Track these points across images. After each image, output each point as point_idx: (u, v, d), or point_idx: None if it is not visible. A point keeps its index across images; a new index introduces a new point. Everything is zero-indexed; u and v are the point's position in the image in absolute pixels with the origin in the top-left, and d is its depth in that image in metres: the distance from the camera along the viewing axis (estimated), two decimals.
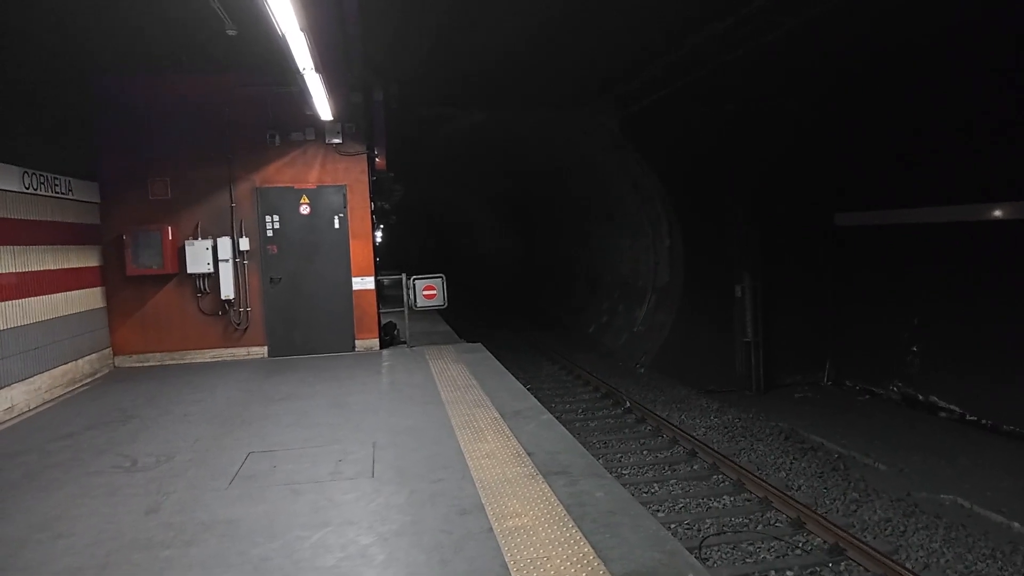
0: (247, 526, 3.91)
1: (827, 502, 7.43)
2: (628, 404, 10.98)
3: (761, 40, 8.83)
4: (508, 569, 3.27)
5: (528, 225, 24.24)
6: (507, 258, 28.26)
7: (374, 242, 9.90)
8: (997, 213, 9.77)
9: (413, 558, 3.44)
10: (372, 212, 9.73)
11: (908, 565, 5.87)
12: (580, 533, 3.63)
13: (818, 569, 5.86)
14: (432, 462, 4.88)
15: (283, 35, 5.54)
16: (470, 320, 20.06)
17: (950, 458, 8.74)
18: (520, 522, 3.79)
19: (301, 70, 6.61)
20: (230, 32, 6.77)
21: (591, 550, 3.43)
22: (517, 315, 22.92)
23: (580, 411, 11.10)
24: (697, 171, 13.45)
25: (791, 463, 8.66)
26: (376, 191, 10.05)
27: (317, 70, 6.62)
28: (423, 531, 3.74)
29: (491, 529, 3.71)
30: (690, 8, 8.34)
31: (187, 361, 9.30)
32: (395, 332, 10.48)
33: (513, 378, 7.72)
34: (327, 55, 6.99)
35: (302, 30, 5.44)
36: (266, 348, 9.48)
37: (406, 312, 10.03)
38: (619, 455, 8.91)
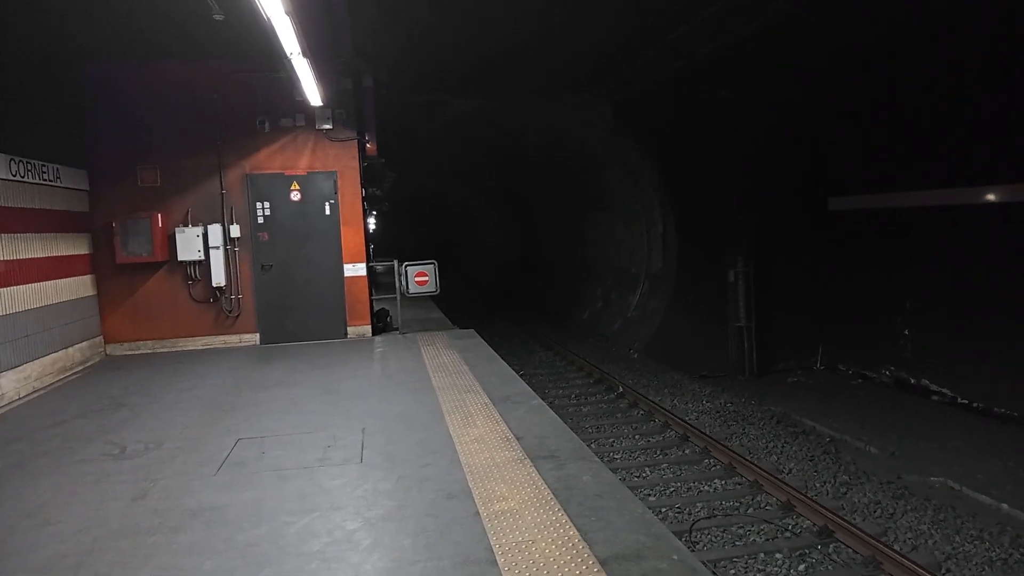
0: (234, 512, 3.92)
1: (817, 485, 7.47)
2: (621, 389, 11.01)
3: (753, 25, 8.79)
4: (493, 552, 3.28)
5: (524, 213, 24.17)
6: (503, 247, 28.21)
7: (366, 228, 9.86)
8: (990, 196, 9.76)
9: (398, 542, 3.45)
10: (363, 198, 9.69)
11: (896, 547, 5.91)
12: (566, 516, 3.64)
13: (807, 551, 5.90)
14: (421, 447, 4.88)
15: (268, 19, 5.49)
16: (466, 311, 20.04)
17: (941, 441, 8.79)
18: (506, 506, 3.80)
19: (289, 55, 6.55)
20: (217, 17, 6.73)
21: (576, 533, 3.44)
22: (513, 303, 22.93)
23: (573, 396, 11.13)
24: (690, 157, 13.41)
25: (782, 447, 8.71)
26: (367, 177, 10.00)
27: (304, 55, 6.56)
28: (409, 516, 3.75)
29: (477, 513, 3.72)
30: None
31: (178, 349, 9.28)
32: (388, 319, 10.47)
33: (504, 364, 7.72)
34: (314, 40, 6.93)
35: (287, 14, 5.39)
36: (258, 335, 9.47)
37: (398, 299, 10.02)
38: (611, 440, 8.94)
